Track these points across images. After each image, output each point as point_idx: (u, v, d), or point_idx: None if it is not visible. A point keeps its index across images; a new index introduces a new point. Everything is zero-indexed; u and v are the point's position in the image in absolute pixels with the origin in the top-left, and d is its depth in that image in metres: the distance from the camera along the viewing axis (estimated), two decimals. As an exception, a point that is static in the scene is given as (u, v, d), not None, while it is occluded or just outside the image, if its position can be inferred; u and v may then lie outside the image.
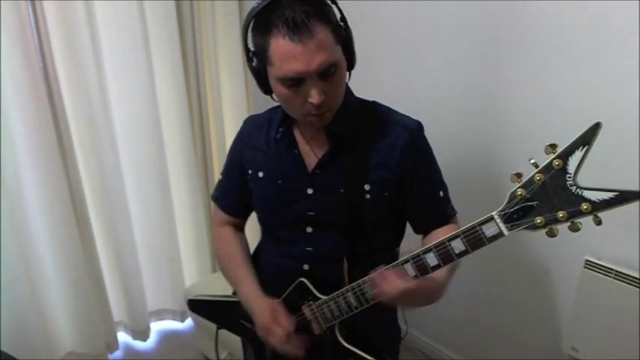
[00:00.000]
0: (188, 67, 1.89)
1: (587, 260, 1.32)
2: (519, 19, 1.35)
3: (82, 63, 1.65)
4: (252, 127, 1.06)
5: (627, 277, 1.25)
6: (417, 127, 0.96)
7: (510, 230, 0.71)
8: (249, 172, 1.02)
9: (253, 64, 0.87)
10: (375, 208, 0.93)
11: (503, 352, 1.70)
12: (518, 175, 0.69)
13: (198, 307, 1.21)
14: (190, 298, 1.20)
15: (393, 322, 1.13)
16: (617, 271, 1.27)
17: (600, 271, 1.30)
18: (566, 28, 1.26)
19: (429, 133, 0.99)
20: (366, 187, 0.92)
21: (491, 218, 0.72)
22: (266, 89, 0.90)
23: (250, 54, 0.87)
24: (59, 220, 1.70)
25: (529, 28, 1.33)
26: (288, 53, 0.78)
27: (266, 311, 0.96)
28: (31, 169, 1.63)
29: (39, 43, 1.55)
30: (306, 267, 0.99)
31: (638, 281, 1.23)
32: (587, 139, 0.63)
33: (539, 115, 1.36)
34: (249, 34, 0.85)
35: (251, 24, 0.83)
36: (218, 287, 1.20)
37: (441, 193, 0.98)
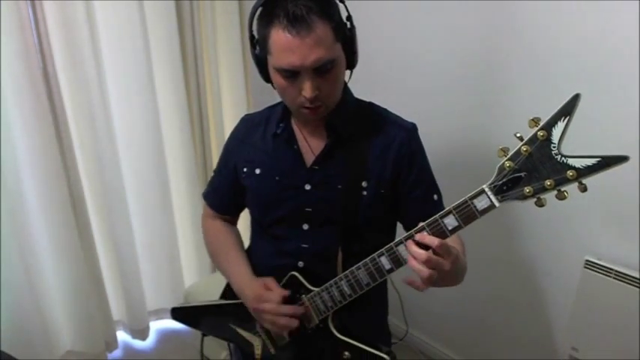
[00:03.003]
0: (188, 67, 1.90)
1: (587, 260, 1.32)
2: (518, 15, 1.35)
3: (82, 63, 1.65)
4: (248, 125, 1.06)
5: (627, 277, 1.25)
6: (413, 128, 0.98)
7: (501, 202, 0.72)
8: (245, 170, 1.02)
9: (256, 51, 0.89)
10: (372, 205, 0.94)
11: (503, 352, 1.70)
12: (505, 150, 0.72)
13: (183, 315, 1.17)
14: (174, 306, 1.15)
15: (384, 324, 1.12)
16: (617, 271, 1.27)
17: (600, 271, 1.29)
18: (565, 24, 1.26)
19: (424, 128, 0.99)
20: (364, 184, 0.93)
21: (482, 191, 0.73)
22: (266, 77, 0.91)
23: (254, 41, 0.89)
24: (59, 220, 1.70)
25: (527, 24, 1.33)
26: (285, 45, 0.79)
27: (257, 286, 0.96)
28: (31, 169, 1.64)
29: (39, 43, 1.55)
30: (300, 264, 0.99)
31: (638, 281, 1.23)
32: (567, 109, 0.66)
33: (536, 108, 1.35)
34: (255, 22, 0.86)
35: (257, 12, 0.84)
36: (218, 288, 1.19)
37: (435, 197, 0.98)
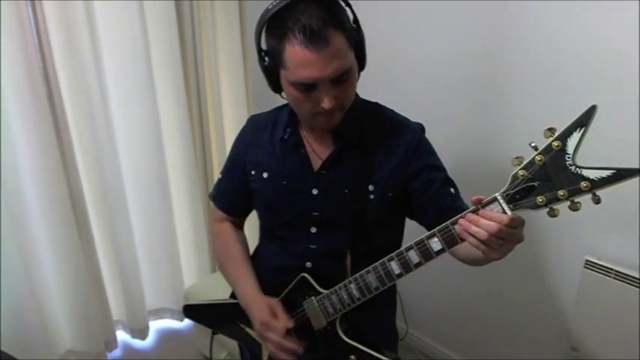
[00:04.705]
0: (188, 67, 1.89)
1: (587, 260, 1.32)
2: (522, 18, 1.35)
3: (82, 63, 1.64)
4: (255, 127, 1.05)
5: (627, 277, 1.25)
6: (420, 129, 0.98)
7: (513, 210, 0.72)
8: (253, 172, 1.02)
9: (265, 63, 0.88)
10: (379, 208, 0.94)
11: (503, 353, 1.70)
12: (519, 158, 0.71)
13: (194, 312, 1.19)
14: (186, 303, 1.17)
15: (392, 324, 1.12)
16: (617, 271, 1.27)
17: (600, 271, 1.30)
18: (567, 26, 1.26)
19: (431, 131, 0.99)
20: (370, 187, 0.93)
21: (495, 199, 0.73)
22: (276, 88, 0.90)
23: (263, 54, 0.88)
24: (59, 220, 1.70)
25: (532, 26, 1.33)
26: (303, 60, 0.78)
27: (264, 309, 0.96)
28: (30, 169, 1.63)
29: (39, 43, 1.55)
30: (309, 264, 0.99)
31: (638, 281, 1.23)
32: (584, 120, 0.65)
33: (541, 111, 1.36)
34: (263, 35, 0.85)
35: (266, 25, 0.83)
36: (217, 288, 1.19)
37: (452, 190, 0.96)
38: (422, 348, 1.96)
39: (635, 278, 1.24)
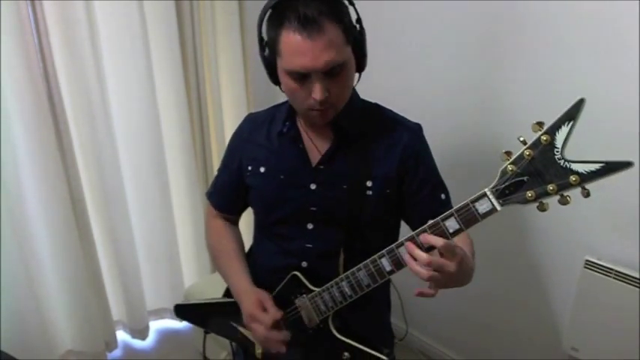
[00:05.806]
0: (188, 67, 1.89)
1: (587, 260, 1.32)
2: (519, 17, 1.35)
3: (82, 63, 1.65)
4: (253, 125, 1.06)
5: (627, 277, 1.25)
6: (418, 128, 0.99)
7: (503, 205, 0.72)
8: (249, 168, 1.02)
9: (265, 54, 0.89)
10: (376, 204, 0.94)
11: (503, 352, 1.70)
12: (508, 153, 0.71)
13: (186, 312, 1.18)
14: (177, 303, 1.17)
15: (387, 323, 1.12)
16: (617, 271, 1.27)
17: (600, 271, 1.30)
18: (565, 26, 1.26)
19: (428, 129, 1.00)
20: (368, 183, 0.93)
21: (484, 194, 0.73)
22: (275, 80, 0.91)
23: (263, 43, 0.89)
24: (59, 220, 1.70)
25: (528, 25, 1.33)
26: (296, 48, 0.79)
27: (253, 301, 0.96)
28: (30, 169, 1.64)
29: (39, 43, 1.55)
30: (304, 264, 0.99)
31: (638, 281, 1.23)
32: (572, 114, 0.66)
33: (538, 110, 1.35)
34: (264, 25, 0.86)
35: (267, 15, 0.84)
36: (217, 288, 1.19)
37: (443, 196, 0.98)
38: (422, 348, 1.96)
39: (635, 278, 1.24)
